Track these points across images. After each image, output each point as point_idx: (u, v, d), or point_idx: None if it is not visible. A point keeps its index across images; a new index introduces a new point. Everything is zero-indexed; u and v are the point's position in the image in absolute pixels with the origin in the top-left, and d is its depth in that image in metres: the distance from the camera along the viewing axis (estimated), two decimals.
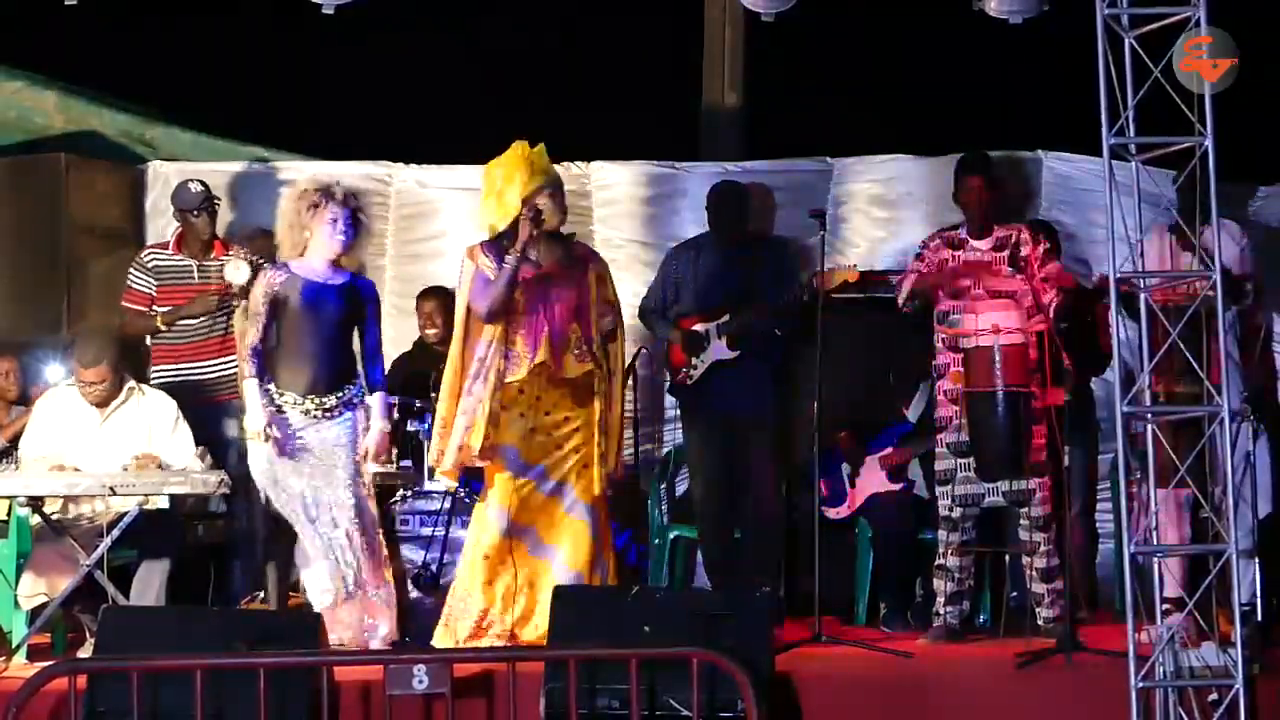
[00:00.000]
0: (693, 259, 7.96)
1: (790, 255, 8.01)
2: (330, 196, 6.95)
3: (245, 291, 7.76)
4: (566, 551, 7.02)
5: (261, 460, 6.94)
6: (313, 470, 6.94)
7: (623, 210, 8.95)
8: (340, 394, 6.99)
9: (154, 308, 8.08)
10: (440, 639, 6.99)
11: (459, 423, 6.98)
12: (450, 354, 7.10)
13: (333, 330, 6.99)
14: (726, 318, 7.78)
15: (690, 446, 8.01)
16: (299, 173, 8.87)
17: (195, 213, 8.10)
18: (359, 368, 7.07)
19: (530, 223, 6.91)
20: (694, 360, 7.82)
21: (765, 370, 7.81)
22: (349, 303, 7.02)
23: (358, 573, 6.90)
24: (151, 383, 7.88)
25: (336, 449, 6.95)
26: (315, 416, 6.95)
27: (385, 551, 7.05)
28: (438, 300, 8.36)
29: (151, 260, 8.14)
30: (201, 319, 8.05)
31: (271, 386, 6.95)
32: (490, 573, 6.98)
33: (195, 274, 8.11)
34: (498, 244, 7.02)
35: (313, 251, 6.98)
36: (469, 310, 7.04)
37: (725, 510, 7.90)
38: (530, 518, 7.02)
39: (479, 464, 7.01)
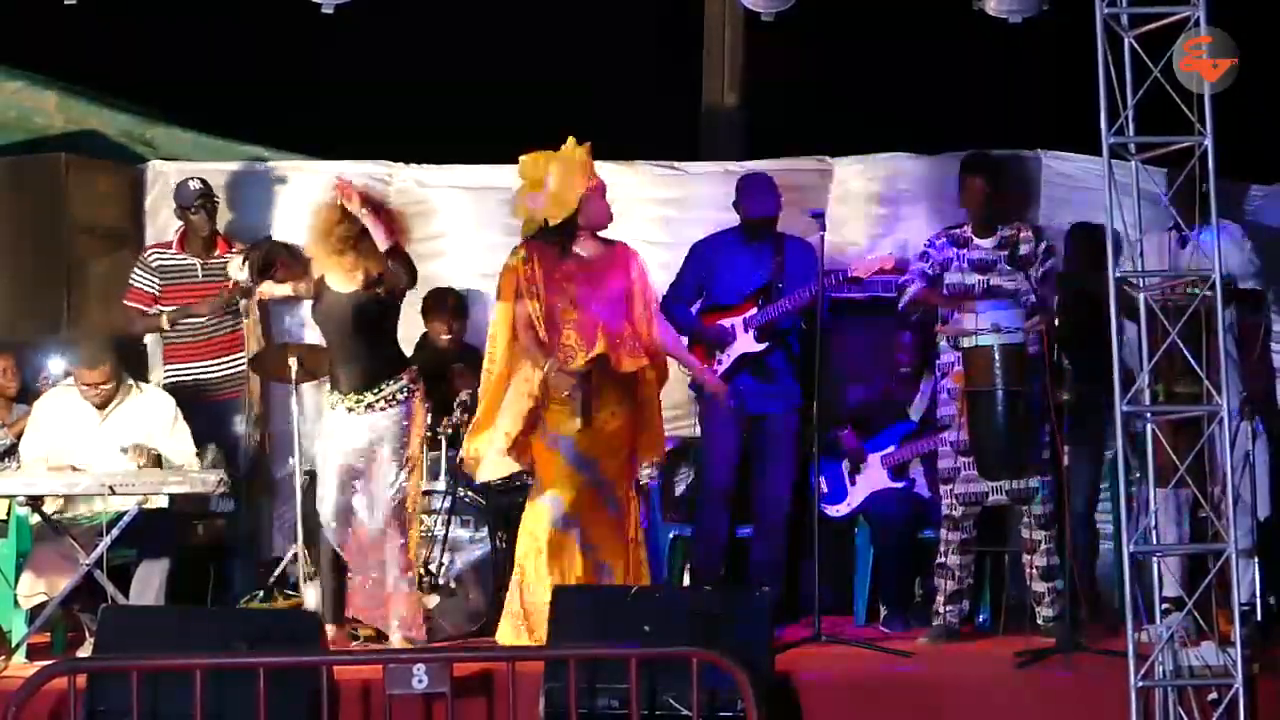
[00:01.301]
0: (719, 253, 7.95)
1: (813, 255, 7.94)
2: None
3: (249, 289, 7.77)
4: (605, 547, 7.05)
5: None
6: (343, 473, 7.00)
7: (621, 210, 8.92)
8: (378, 389, 6.98)
9: (158, 307, 8.11)
10: (505, 636, 7.02)
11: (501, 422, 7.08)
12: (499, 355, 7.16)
13: (353, 333, 7.00)
14: (754, 311, 7.78)
15: (707, 444, 7.99)
16: (297, 171, 8.90)
17: (193, 209, 8.13)
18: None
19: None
20: (719, 355, 7.81)
21: (789, 365, 7.81)
22: (369, 304, 7.01)
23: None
24: (162, 382, 7.91)
25: (378, 443, 6.96)
26: (358, 414, 6.96)
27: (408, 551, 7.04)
28: (454, 301, 8.39)
29: (155, 260, 8.16)
30: (208, 318, 8.07)
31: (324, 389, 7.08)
32: (550, 564, 6.97)
33: (199, 272, 8.14)
34: (543, 242, 7.11)
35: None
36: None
37: (725, 513, 7.90)
38: (580, 509, 7.03)
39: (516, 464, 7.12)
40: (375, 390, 6.98)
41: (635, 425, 7.12)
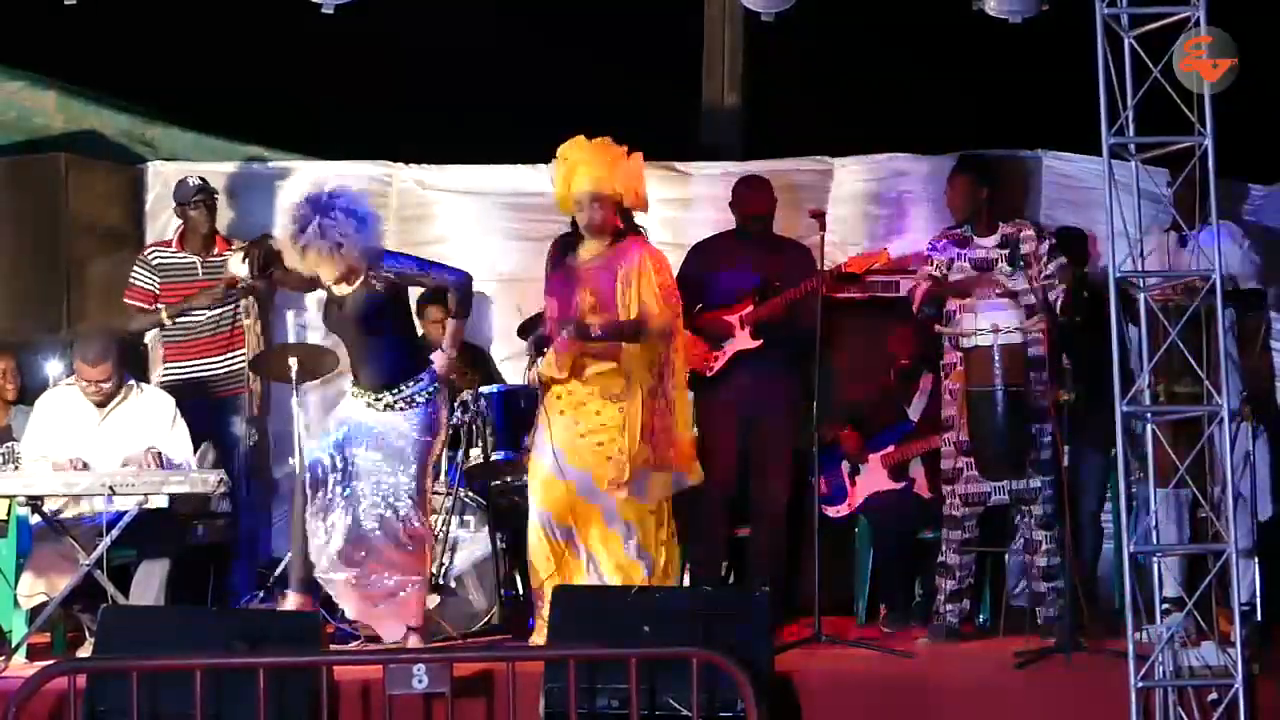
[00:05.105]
0: (717, 254, 7.95)
1: (810, 255, 7.93)
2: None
3: (250, 286, 7.76)
4: (601, 552, 7.05)
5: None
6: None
7: None
8: (396, 390, 6.87)
9: (158, 305, 8.12)
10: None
11: None
12: None
13: (361, 333, 6.92)
14: (750, 308, 7.78)
15: (706, 443, 7.98)
16: (298, 172, 8.89)
17: (192, 205, 8.13)
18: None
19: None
20: (714, 350, 7.80)
21: (786, 363, 7.80)
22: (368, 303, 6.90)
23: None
24: (162, 380, 7.92)
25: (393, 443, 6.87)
26: (378, 411, 6.85)
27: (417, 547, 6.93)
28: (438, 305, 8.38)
29: (155, 258, 8.18)
30: (209, 315, 8.08)
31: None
32: (547, 572, 7.03)
33: (199, 270, 8.15)
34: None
35: None
36: None
37: (725, 513, 7.89)
38: (565, 516, 7.06)
39: None
40: (395, 391, 6.87)
41: (620, 425, 7.07)
